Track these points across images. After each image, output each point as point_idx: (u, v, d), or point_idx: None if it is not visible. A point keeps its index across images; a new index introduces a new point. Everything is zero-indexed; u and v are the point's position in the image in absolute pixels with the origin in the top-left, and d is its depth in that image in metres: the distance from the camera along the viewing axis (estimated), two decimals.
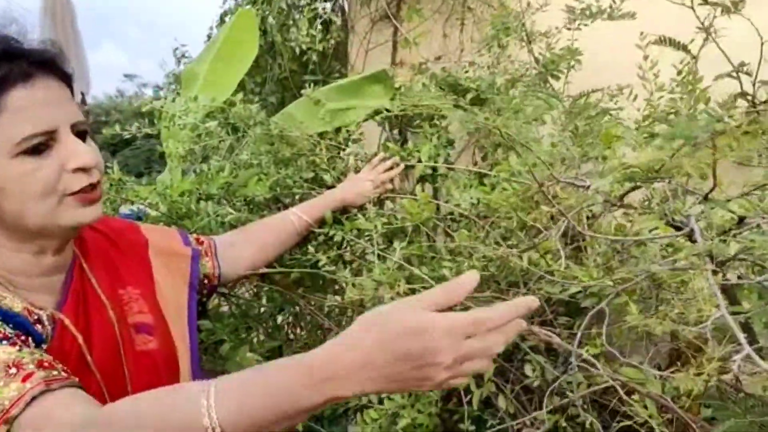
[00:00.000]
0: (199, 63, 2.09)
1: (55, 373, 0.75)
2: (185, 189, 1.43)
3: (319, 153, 1.55)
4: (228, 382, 0.66)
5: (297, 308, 1.53)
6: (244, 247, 1.25)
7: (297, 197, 1.55)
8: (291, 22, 2.16)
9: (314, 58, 2.13)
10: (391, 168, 1.50)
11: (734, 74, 1.10)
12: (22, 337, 0.79)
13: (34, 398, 0.71)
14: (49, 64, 0.83)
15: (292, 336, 1.71)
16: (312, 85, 1.75)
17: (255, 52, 1.98)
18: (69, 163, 0.82)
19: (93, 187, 0.85)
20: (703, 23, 1.12)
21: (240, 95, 1.50)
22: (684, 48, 0.96)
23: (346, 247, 1.43)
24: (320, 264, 1.34)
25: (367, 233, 1.37)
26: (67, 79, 0.87)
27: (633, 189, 0.91)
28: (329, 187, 1.51)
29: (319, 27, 2.42)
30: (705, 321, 0.71)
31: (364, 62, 2.48)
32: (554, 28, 1.66)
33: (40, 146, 0.80)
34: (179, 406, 0.66)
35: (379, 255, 1.33)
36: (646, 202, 0.93)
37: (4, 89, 0.78)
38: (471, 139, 1.85)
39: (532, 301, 0.63)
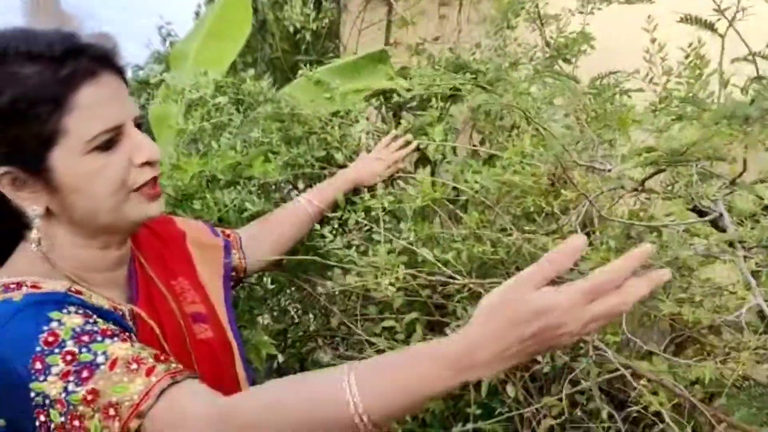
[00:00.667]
0: (188, 42, 2.02)
1: (173, 365, 0.75)
2: (194, 171, 1.37)
3: (331, 131, 1.50)
4: (367, 370, 0.68)
5: (303, 292, 1.50)
6: (263, 240, 1.25)
7: (309, 178, 1.50)
8: None
9: (307, 37, 2.07)
10: (403, 147, 1.47)
11: (750, 58, 1.07)
12: (126, 333, 0.78)
13: (162, 391, 0.71)
14: (108, 59, 0.83)
15: (297, 320, 1.69)
16: (308, 65, 1.70)
17: (248, 30, 1.91)
18: (136, 157, 0.83)
19: (155, 180, 0.86)
20: (719, 5, 1.09)
21: (241, 69, 1.45)
22: (711, 27, 0.93)
23: (353, 230, 1.40)
24: (326, 240, 1.31)
25: (374, 212, 1.34)
26: (122, 73, 0.87)
27: (657, 173, 0.89)
28: (341, 167, 1.48)
29: (312, 5, 2.36)
30: (734, 309, 0.69)
31: (357, 42, 2.42)
32: (567, 11, 1.63)
33: (109, 142, 0.81)
34: (321, 390, 0.68)
35: (386, 235, 1.30)
36: (669, 187, 0.91)
37: (73, 87, 0.78)
38: (468, 123, 1.82)
39: (645, 250, 0.63)
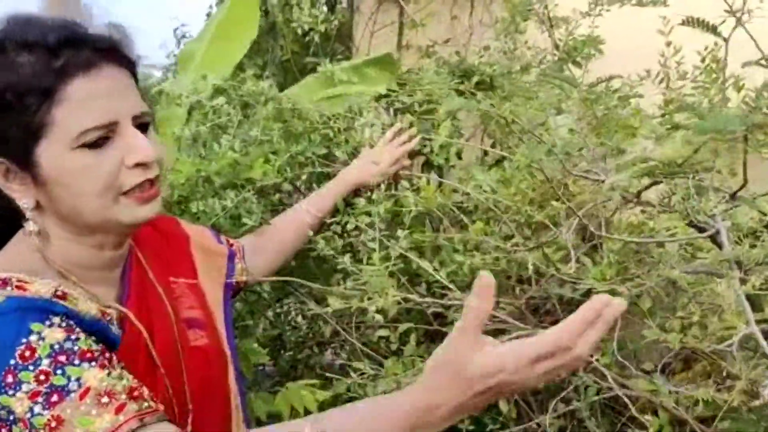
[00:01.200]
0: (197, 42, 2.02)
1: (146, 405, 0.73)
2: (189, 173, 1.34)
3: (334, 124, 1.46)
4: (326, 425, 0.69)
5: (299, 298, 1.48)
6: (262, 255, 1.23)
7: (309, 178, 1.47)
8: (294, 1, 2.07)
9: (317, 39, 2.04)
10: (407, 142, 1.43)
11: (764, 62, 1.01)
12: (107, 354, 0.76)
13: None
14: (113, 52, 0.80)
15: (295, 324, 1.66)
16: (324, 64, 1.67)
17: (255, 31, 1.89)
18: (128, 158, 0.78)
19: (151, 183, 0.81)
20: (731, 6, 1.03)
21: (250, 72, 1.44)
22: (713, 30, 0.87)
23: (351, 235, 1.37)
24: (318, 247, 1.29)
25: (370, 218, 1.31)
26: (132, 67, 0.83)
27: (652, 184, 0.84)
28: (343, 163, 1.44)
29: (324, 7, 2.33)
30: (729, 335, 0.63)
31: (369, 44, 2.39)
32: (578, 12, 1.57)
33: (100, 139, 0.76)
34: None
35: (381, 243, 1.26)
36: (666, 200, 0.86)
37: (65, 79, 0.74)
38: (479, 127, 1.77)
39: (598, 304, 0.62)
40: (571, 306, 1.27)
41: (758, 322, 0.82)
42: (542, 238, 1.02)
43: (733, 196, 0.76)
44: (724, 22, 0.86)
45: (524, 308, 1.32)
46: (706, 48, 1.07)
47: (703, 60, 1.08)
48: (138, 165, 0.78)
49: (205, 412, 0.90)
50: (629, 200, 0.88)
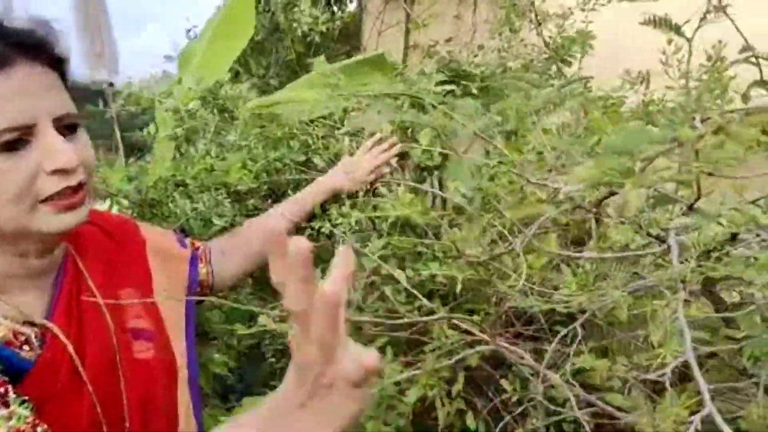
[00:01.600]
0: (198, 41, 2.03)
1: None
2: (162, 176, 1.34)
3: (313, 131, 1.43)
4: None
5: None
6: (232, 257, 1.18)
7: (287, 185, 1.45)
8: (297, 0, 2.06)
9: (317, 39, 2.02)
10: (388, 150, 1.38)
11: (753, 60, 0.93)
12: (0, 389, 0.70)
13: None
14: (34, 48, 0.73)
15: (273, 333, 1.63)
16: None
17: (251, 30, 1.89)
18: (47, 163, 0.72)
19: (74, 190, 0.75)
20: (720, 1, 0.96)
21: (228, 75, 1.43)
22: (677, 30, 0.81)
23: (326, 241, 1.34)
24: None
25: (342, 227, 1.28)
26: (57, 65, 0.77)
27: (610, 195, 0.78)
28: (322, 170, 1.41)
29: (334, 8, 2.32)
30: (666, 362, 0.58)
31: (377, 44, 2.36)
32: (567, 9, 1.51)
33: (14, 143, 0.70)
34: None
35: (357, 253, 1.22)
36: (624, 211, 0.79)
37: None
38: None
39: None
40: (553, 315, 1.22)
41: (728, 338, 0.76)
42: (496, 250, 0.97)
43: (690, 207, 0.70)
44: (688, 21, 0.79)
45: (508, 317, 1.28)
46: (713, 46, 1.01)
47: (709, 58, 1.01)
48: (58, 171, 0.73)
49: (147, 428, 0.85)
50: (588, 210, 0.82)
